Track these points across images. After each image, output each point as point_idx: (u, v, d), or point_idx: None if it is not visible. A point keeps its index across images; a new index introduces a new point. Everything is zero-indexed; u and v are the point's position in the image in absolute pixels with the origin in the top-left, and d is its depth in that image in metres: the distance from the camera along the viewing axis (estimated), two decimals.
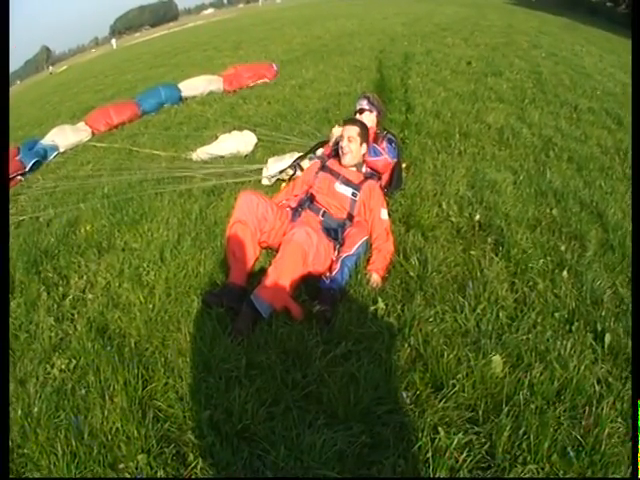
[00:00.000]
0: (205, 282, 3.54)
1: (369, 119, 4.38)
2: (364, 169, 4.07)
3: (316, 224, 3.63)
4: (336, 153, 4.09)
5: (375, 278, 3.37)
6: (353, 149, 3.85)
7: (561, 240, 3.80)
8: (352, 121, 3.99)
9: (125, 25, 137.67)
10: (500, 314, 2.96)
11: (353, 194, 3.76)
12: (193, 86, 10.57)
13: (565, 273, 3.39)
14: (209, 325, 3.04)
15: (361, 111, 4.46)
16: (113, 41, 75.50)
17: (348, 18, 23.77)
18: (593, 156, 5.48)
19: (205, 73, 11.47)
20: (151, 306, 3.38)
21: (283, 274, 3.07)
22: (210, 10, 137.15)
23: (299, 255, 3.12)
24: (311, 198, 3.85)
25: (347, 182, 3.82)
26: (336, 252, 3.51)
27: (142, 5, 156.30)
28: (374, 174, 4.13)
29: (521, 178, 4.83)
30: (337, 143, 4.09)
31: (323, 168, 3.97)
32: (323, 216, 3.74)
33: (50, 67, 65.16)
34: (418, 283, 3.31)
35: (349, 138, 3.84)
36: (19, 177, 7.00)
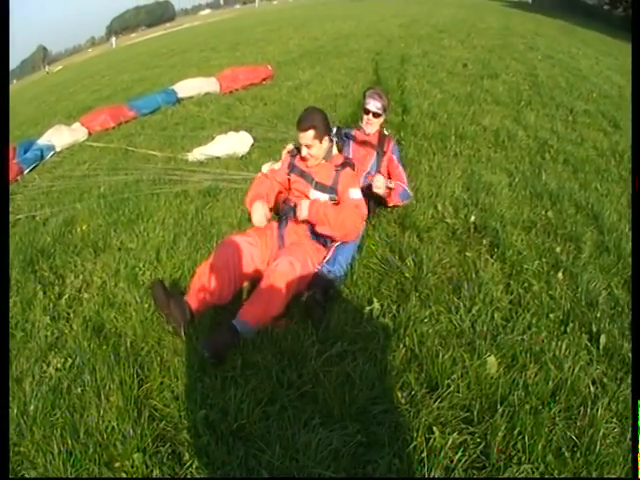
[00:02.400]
0: None
1: (379, 121, 4.30)
2: (335, 151, 3.77)
3: (303, 232, 3.57)
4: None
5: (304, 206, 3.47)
6: (314, 153, 3.57)
7: (556, 242, 3.82)
8: (304, 125, 3.49)
9: (122, 25, 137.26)
10: (495, 315, 2.97)
11: (331, 198, 3.60)
12: (189, 87, 10.55)
13: (560, 275, 3.40)
14: (205, 325, 3.04)
15: (375, 115, 4.22)
16: (113, 40, 74.86)
17: (345, 20, 23.76)
18: (589, 158, 5.51)
19: (202, 74, 11.50)
20: (147, 306, 3.37)
21: (267, 303, 2.99)
22: (207, 11, 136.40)
23: (283, 285, 3.02)
24: (293, 208, 3.64)
25: (322, 187, 3.61)
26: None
27: (139, 5, 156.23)
28: (348, 161, 3.73)
29: (517, 180, 4.84)
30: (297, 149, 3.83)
31: (293, 169, 3.74)
32: (309, 228, 3.60)
33: (47, 66, 64.96)
34: (413, 284, 3.32)
35: (306, 146, 3.55)
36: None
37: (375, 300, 3.15)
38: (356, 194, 3.53)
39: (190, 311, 3.07)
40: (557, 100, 7.98)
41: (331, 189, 3.59)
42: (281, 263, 3.10)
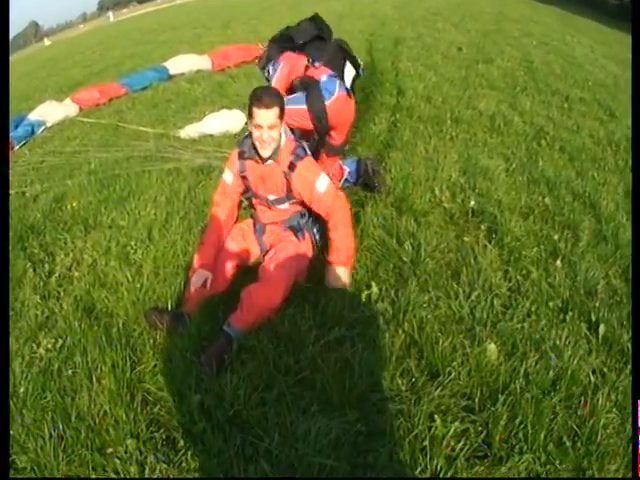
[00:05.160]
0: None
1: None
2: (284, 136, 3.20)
3: (281, 230, 3.39)
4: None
5: (340, 273, 3.15)
6: (275, 136, 3.06)
7: (554, 229, 3.79)
8: (269, 101, 2.97)
9: (113, 1, 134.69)
10: (494, 302, 2.94)
11: (290, 204, 3.32)
12: (181, 64, 10.43)
13: (559, 262, 3.38)
14: (199, 308, 2.99)
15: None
16: (110, 14, 73.48)
17: (338, 0, 23.49)
18: (585, 147, 5.47)
19: (193, 51, 11.35)
20: (139, 286, 3.32)
21: (260, 311, 2.86)
22: None
23: (276, 292, 2.91)
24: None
25: (278, 200, 3.30)
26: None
27: None
28: (299, 152, 3.21)
29: (513, 166, 4.80)
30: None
31: (243, 176, 3.31)
32: (283, 224, 3.41)
33: (45, 40, 64.16)
34: (411, 268, 3.28)
35: (270, 127, 2.99)
36: None
37: (373, 284, 3.10)
38: (323, 183, 3.19)
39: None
40: (552, 87, 7.91)
41: (287, 196, 3.27)
42: (271, 272, 3.03)
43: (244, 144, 3.25)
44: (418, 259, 3.33)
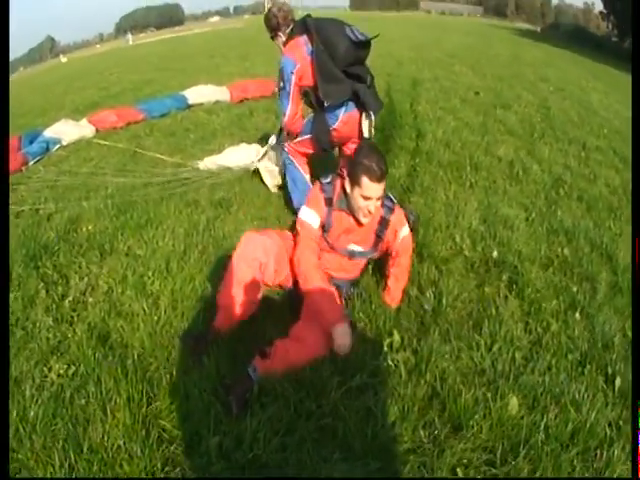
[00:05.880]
0: (212, 302, 3.38)
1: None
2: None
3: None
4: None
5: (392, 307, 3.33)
6: (378, 205, 3.01)
7: (572, 281, 3.84)
8: (381, 173, 2.81)
9: (130, 24, 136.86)
10: (516, 355, 2.97)
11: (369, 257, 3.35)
12: (200, 94, 10.57)
13: (577, 315, 3.42)
14: (217, 351, 2.97)
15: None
16: (129, 36, 74.66)
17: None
18: (602, 196, 5.55)
19: (212, 81, 11.45)
20: (156, 318, 3.30)
21: (289, 365, 2.79)
22: (216, 18, 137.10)
23: (308, 352, 2.82)
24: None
25: (362, 251, 3.26)
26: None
27: (149, 5, 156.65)
28: (389, 204, 3.15)
29: (533, 215, 4.86)
30: None
31: (328, 230, 3.15)
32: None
33: (61, 56, 65.45)
34: (433, 317, 3.32)
35: (379, 198, 2.94)
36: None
37: (395, 332, 3.12)
38: (406, 228, 3.23)
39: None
40: (570, 134, 8.04)
41: (372, 250, 3.27)
42: (311, 331, 2.88)
43: (329, 191, 3.08)
44: (440, 308, 3.38)
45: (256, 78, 11.65)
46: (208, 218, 4.80)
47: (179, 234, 4.48)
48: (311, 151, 4.50)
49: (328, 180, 3.12)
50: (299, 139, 4.40)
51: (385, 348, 3.02)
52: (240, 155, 6.33)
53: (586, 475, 2.29)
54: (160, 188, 5.64)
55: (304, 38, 4.00)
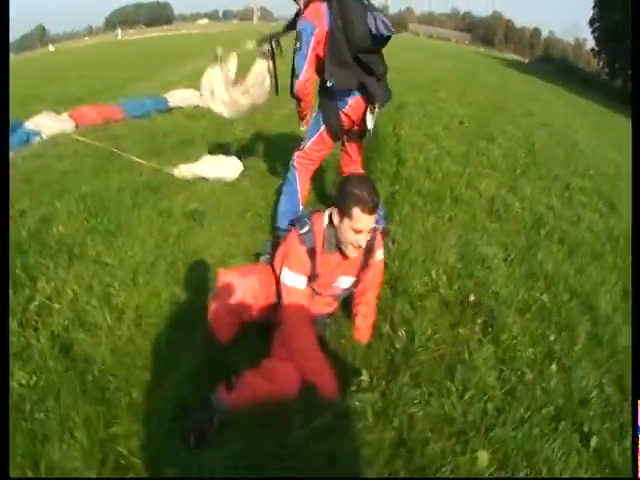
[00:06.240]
0: (177, 321, 3.39)
1: None
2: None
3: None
4: None
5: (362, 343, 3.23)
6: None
7: (550, 329, 3.70)
8: (373, 205, 2.66)
9: (120, 19, 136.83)
10: (488, 405, 2.85)
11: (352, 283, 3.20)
12: (181, 97, 10.63)
13: (554, 366, 3.30)
14: (179, 374, 2.89)
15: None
16: (119, 31, 74.71)
17: None
18: (584, 241, 5.43)
19: (193, 85, 11.31)
20: (119, 333, 3.23)
21: (255, 399, 2.67)
22: (205, 20, 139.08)
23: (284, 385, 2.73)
24: None
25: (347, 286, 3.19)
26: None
27: (139, 2, 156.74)
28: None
29: (512, 256, 4.73)
30: None
31: (314, 268, 2.95)
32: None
33: (50, 45, 65.28)
34: (404, 357, 3.18)
35: (369, 231, 2.78)
36: None
37: (364, 371, 2.99)
38: (380, 251, 3.18)
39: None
40: (554, 172, 7.93)
41: (357, 279, 3.17)
42: (282, 369, 2.77)
43: (309, 240, 2.86)
44: (412, 348, 3.24)
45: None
46: (179, 230, 4.72)
47: (149, 244, 4.38)
48: (323, 150, 4.41)
49: (305, 229, 2.87)
50: (309, 142, 4.34)
51: (353, 387, 2.89)
52: (217, 167, 6.23)
53: None
54: (133, 193, 5.56)
55: (325, 5, 3.90)
